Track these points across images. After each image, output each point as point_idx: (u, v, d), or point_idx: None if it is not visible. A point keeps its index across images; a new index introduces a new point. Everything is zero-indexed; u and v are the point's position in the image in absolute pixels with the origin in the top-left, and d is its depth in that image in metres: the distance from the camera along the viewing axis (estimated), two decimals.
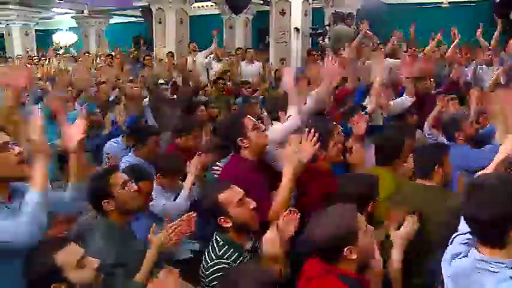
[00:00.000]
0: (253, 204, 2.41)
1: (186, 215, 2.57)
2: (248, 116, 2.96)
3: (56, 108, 4.86)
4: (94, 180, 2.52)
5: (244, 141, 2.86)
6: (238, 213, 2.35)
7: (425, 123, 4.58)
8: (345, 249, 1.92)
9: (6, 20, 14.52)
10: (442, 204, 2.48)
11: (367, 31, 7.05)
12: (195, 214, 2.57)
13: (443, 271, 1.85)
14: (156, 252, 2.39)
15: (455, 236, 1.90)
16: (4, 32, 15.09)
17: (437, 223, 2.41)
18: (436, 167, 2.82)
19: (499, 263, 1.63)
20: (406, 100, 4.83)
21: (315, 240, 1.99)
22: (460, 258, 1.78)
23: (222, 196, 2.37)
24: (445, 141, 3.93)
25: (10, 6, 14.05)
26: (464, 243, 1.82)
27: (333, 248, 1.95)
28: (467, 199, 1.71)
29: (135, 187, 2.51)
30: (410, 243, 2.51)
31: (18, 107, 3.39)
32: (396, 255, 2.45)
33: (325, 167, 3.10)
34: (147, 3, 11.53)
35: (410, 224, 2.52)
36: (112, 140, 4.68)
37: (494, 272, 1.64)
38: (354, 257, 1.93)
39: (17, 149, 2.16)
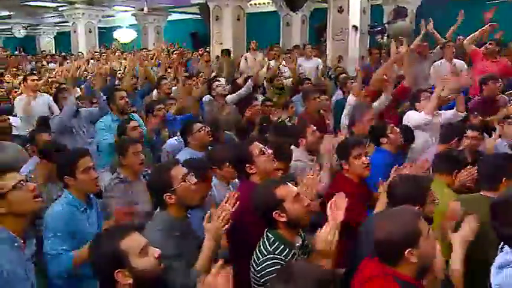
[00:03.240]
0: (307, 201, 2.42)
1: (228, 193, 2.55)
2: (256, 142, 3.07)
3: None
4: (156, 173, 2.59)
5: (252, 167, 2.97)
6: (294, 208, 2.36)
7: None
8: (406, 252, 1.89)
9: (73, 19, 15.23)
10: None
11: (432, 30, 6.84)
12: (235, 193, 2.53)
13: (491, 278, 1.79)
14: (213, 239, 2.38)
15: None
16: (70, 30, 15.81)
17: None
18: (503, 180, 2.74)
19: None
20: (456, 116, 4.68)
21: (376, 240, 1.97)
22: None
23: (279, 191, 2.38)
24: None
25: (77, 6, 14.74)
26: None
27: (393, 248, 1.92)
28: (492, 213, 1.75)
29: (195, 180, 2.55)
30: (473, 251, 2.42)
31: None
32: (456, 257, 2.36)
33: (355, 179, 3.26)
34: (204, 1, 11.68)
35: (469, 224, 2.42)
36: (174, 137, 4.79)
37: None
38: (415, 260, 1.90)
39: (31, 186, 2.33)
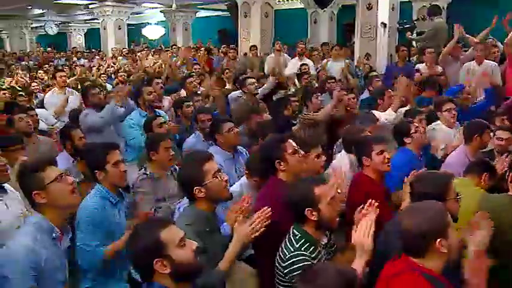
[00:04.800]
0: (340, 207, 2.42)
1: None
2: (290, 140, 3.03)
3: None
4: (188, 167, 2.59)
5: (282, 163, 2.93)
6: (328, 209, 2.37)
7: None
8: (437, 241, 1.90)
9: (103, 16, 15.50)
10: None
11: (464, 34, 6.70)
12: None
13: None
14: (243, 242, 2.41)
15: None
16: (100, 27, 16.09)
17: None
18: None
19: None
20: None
21: (404, 232, 1.97)
22: None
23: (319, 190, 2.39)
24: None
25: (107, 3, 15.02)
26: None
27: (423, 239, 1.93)
28: None
29: (226, 177, 2.57)
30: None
31: None
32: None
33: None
34: None
35: (483, 229, 2.36)
36: (191, 136, 4.81)
37: None
38: (444, 250, 1.92)
39: (69, 179, 2.41)
